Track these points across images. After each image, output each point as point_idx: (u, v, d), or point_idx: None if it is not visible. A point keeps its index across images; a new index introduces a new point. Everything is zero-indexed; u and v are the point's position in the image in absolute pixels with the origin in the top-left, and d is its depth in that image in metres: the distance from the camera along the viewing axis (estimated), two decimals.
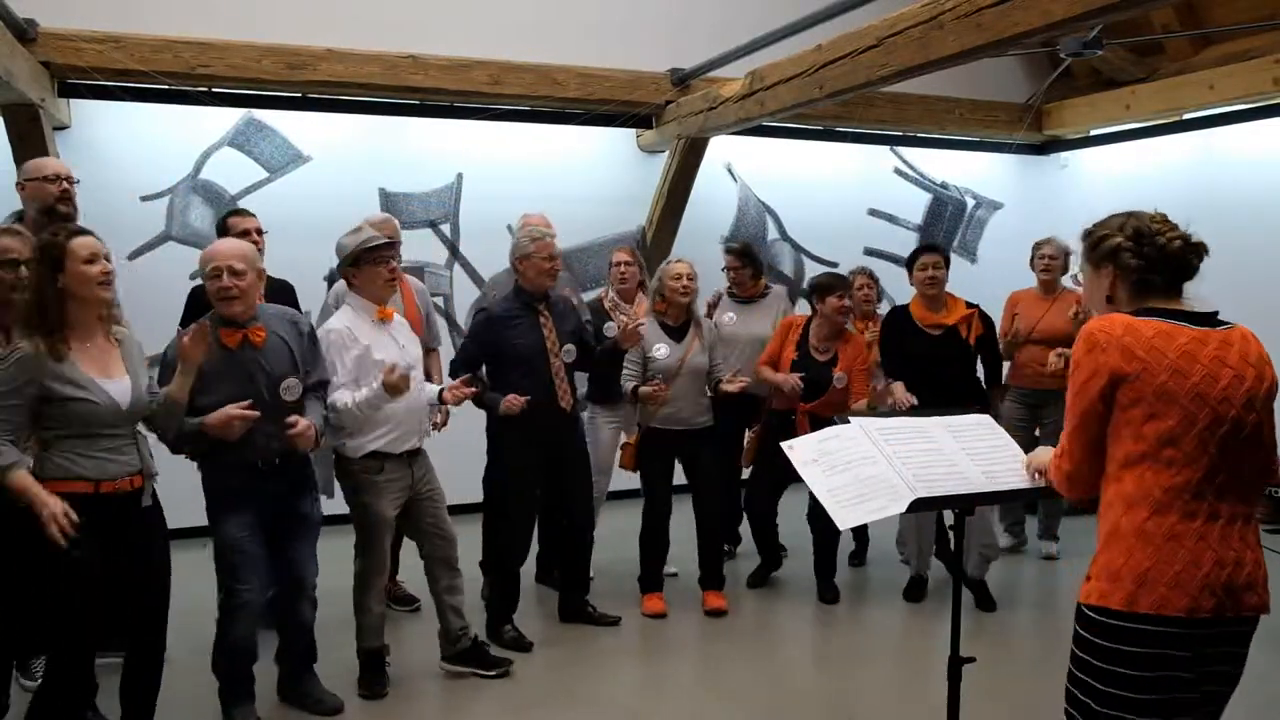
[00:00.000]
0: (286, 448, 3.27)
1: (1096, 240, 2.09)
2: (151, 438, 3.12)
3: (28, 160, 5.08)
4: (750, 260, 5.29)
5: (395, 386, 3.37)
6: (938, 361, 4.57)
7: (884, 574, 5.30)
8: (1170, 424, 1.91)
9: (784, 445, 2.50)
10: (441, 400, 3.89)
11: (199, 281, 4.07)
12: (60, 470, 2.75)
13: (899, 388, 4.59)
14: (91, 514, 2.73)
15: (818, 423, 4.43)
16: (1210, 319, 2.00)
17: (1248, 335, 2.02)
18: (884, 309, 5.41)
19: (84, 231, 2.85)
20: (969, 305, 4.73)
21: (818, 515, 4.73)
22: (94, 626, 2.87)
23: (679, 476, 4.66)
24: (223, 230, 4.11)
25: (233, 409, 3.09)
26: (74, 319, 2.81)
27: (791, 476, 4.62)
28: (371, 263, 3.60)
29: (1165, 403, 1.91)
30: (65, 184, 3.81)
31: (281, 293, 4.11)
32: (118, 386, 2.84)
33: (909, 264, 4.80)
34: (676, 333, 4.53)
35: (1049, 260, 5.25)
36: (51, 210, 3.74)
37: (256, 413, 3.13)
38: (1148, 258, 2.01)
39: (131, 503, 2.88)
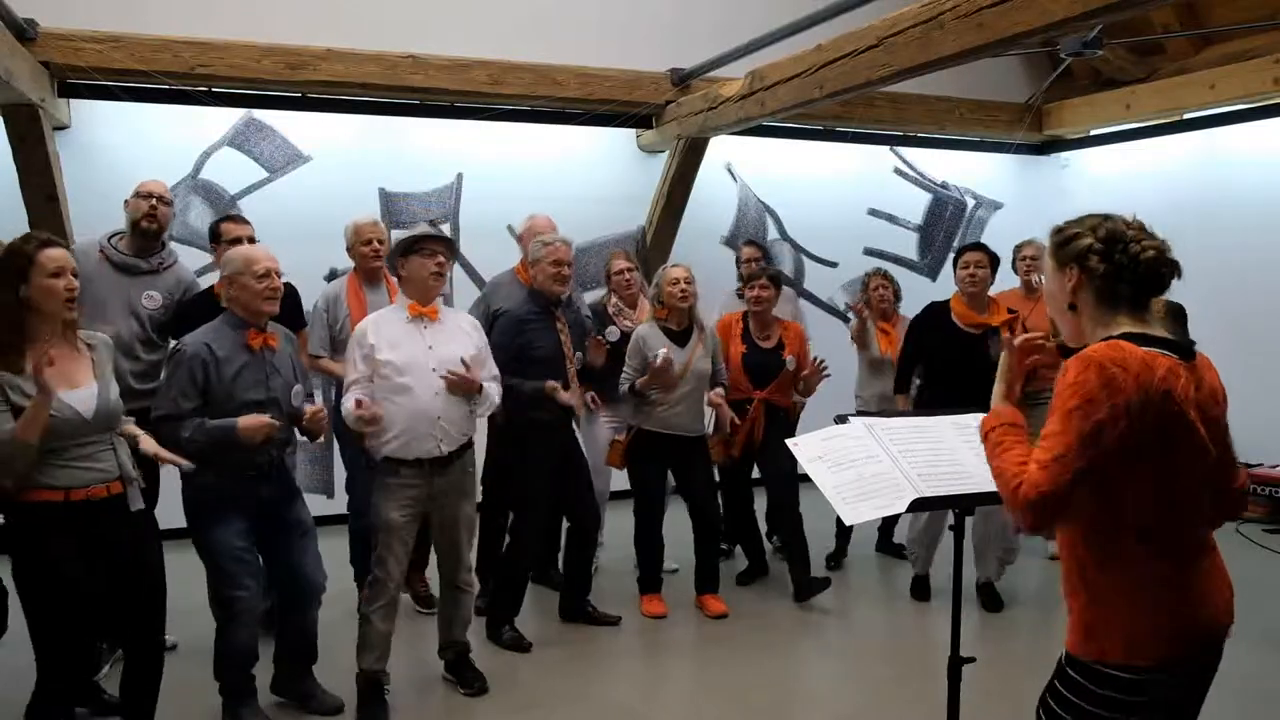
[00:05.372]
0: (279, 454, 3.31)
1: (1066, 238, 1.91)
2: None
3: (27, 160, 5.13)
4: (768, 257, 5.32)
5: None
6: (976, 362, 4.37)
7: (885, 574, 5.30)
8: (1180, 481, 1.80)
9: (789, 443, 2.48)
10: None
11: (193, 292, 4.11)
12: (31, 479, 2.69)
13: (900, 401, 4.74)
14: (66, 521, 2.72)
15: (772, 409, 4.78)
16: (1188, 349, 1.86)
17: (1209, 364, 1.90)
18: (903, 309, 5.38)
19: (54, 243, 2.77)
20: (1010, 311, 4.68)
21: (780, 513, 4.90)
22: (80, 629, 2.82)
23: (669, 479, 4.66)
24: (216, 235, 4.09)
25: (268, 421, 3.12)
26: (34, 332, 2.72)
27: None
28: (419, 254, 3.59)
29: (1172, 452, 1.77)
30: (155, 203, 3.93)
31: (286, 295, 4.08)
32: (81, 395, 2.76)
33: (955, 262, 4.80)
34: (679, 337, 4.50)
35: (1030, 261, 5.23)
36: (137, 225, 3.92)
37: (279, 423, 3.18)
38: (1117, 264, 1.84)
39: (111, 508, 2.82)
